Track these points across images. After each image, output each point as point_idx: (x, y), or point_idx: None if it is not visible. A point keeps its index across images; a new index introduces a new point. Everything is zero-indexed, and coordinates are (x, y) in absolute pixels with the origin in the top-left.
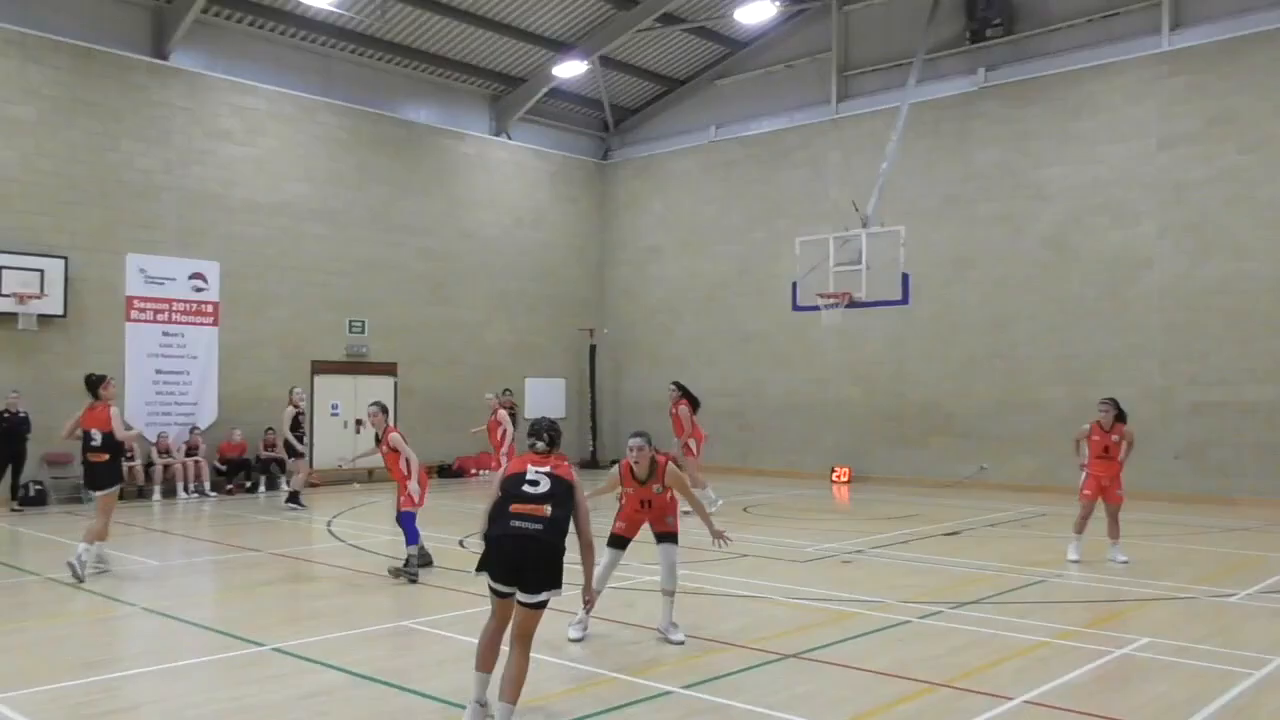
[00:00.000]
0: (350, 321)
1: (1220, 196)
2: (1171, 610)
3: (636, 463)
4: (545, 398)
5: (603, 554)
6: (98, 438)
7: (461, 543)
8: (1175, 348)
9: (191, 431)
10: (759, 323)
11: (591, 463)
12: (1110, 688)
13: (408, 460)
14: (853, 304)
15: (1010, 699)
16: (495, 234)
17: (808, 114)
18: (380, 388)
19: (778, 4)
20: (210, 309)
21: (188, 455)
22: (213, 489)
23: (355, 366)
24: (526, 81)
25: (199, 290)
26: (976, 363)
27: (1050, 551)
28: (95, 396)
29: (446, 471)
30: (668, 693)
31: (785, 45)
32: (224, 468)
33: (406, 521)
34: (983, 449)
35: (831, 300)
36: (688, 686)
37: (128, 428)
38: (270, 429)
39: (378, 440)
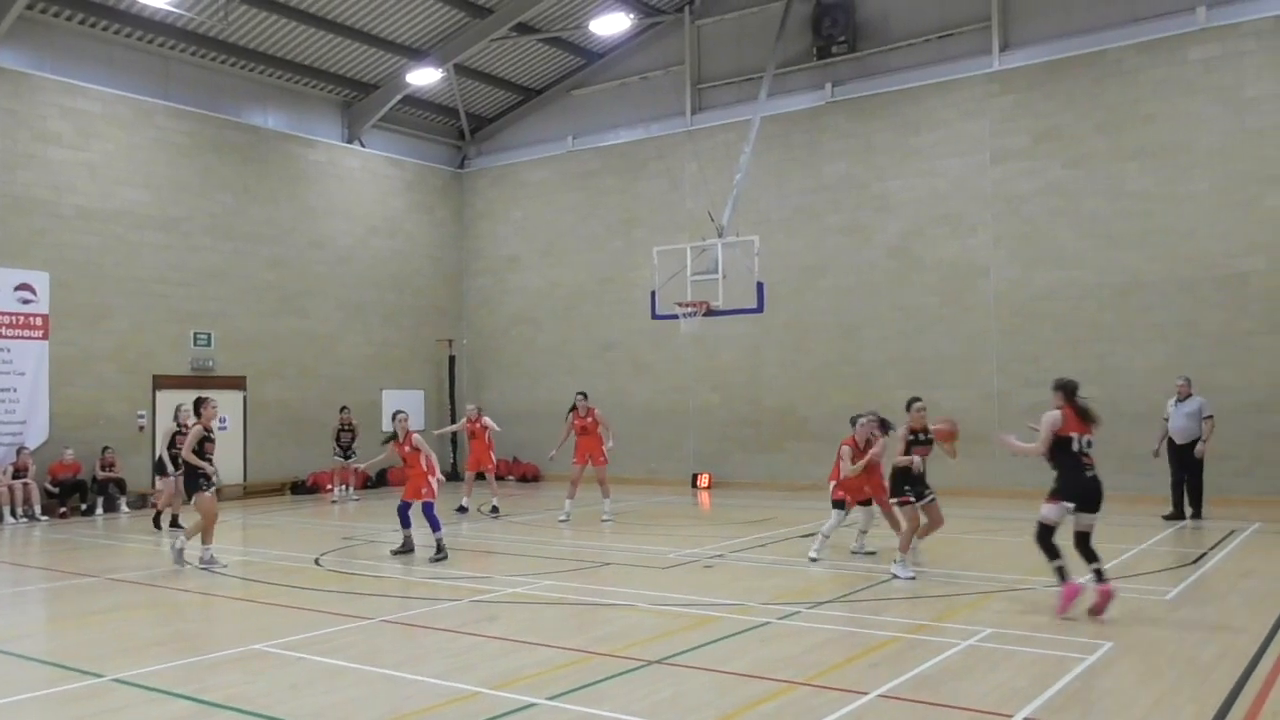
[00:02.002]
0: (195, 334)
1: (1047, 209)
2: (1012, 601)
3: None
4: (403, 409)
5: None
6: None
7: (317, 560)
8: (1010, 352)
9: (19, 452)
10: (619, 332)
11: (452, 474)
12: (958, 677)
13: (428, 457)
14: (710, 312)
15: (865, 693)
16: (349, 243)
17: (663, 125)
18: (228, 402)
19: (632, 16)
20: (39, 322)
21: (15, 477)
22: (44, 513)
23: (201, 380)
24: (379, 88)
25: (26, 302)
26: (828, 368)
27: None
28: (196, 415)
29: (300, 488)
30: (532, 704)
31: (640, 57)
32: (56, 490)
33: (428, 511)
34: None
35: (690, 309)
36: (552, 697)
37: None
38: (108, 447)
39: (397, 441)
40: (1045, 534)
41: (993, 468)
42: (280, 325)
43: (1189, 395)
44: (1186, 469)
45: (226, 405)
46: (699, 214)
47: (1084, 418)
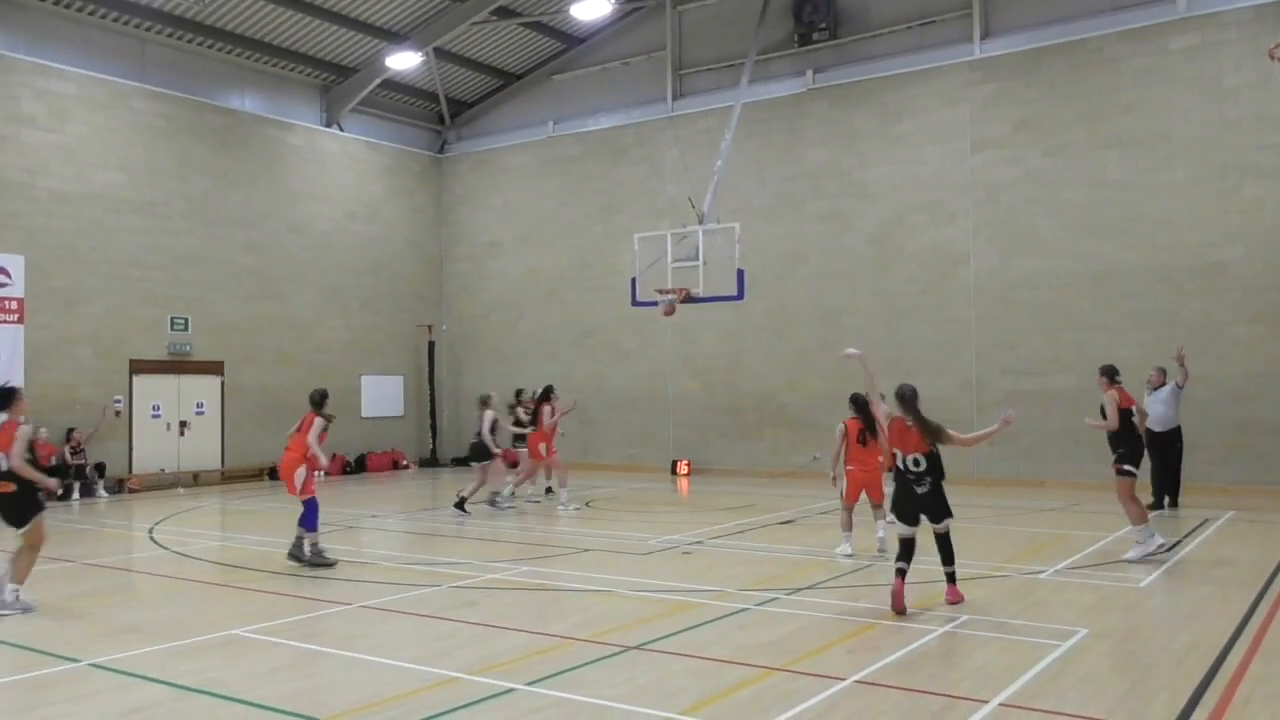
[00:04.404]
0: (172, 318)
1: (1026, 197)
2: (988, 588)
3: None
4: (383, 395)
5: None
6: (2, 463)
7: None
8: (988, 340)
9: None
10: (599, 318)
11: (431, 460)
12: (934, 663)
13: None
14: (690, 299)
15: (842, 679)
16: (327, 228)
17: (644, 111)
18: (206, 387)
19: (613, 1)
20: (14, 305)
21: None
22: None
23: (178, 365)
24: (358, 72)
25: (1, 286)
26: (808, 355)
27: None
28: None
29: (278, 474)
30: (511, 690)
31: (622, 42)
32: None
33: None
34: (815, 439)
35: (670, 295)
36: (531, 683)
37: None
38: (74, 429)
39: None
40: (903, 540)
41: (968, 456)
42: (258, 310)
43: (1162, 384)
44: (1166, 458)
45: (204, 390)
46: (680, 200)
47: (922, 430)
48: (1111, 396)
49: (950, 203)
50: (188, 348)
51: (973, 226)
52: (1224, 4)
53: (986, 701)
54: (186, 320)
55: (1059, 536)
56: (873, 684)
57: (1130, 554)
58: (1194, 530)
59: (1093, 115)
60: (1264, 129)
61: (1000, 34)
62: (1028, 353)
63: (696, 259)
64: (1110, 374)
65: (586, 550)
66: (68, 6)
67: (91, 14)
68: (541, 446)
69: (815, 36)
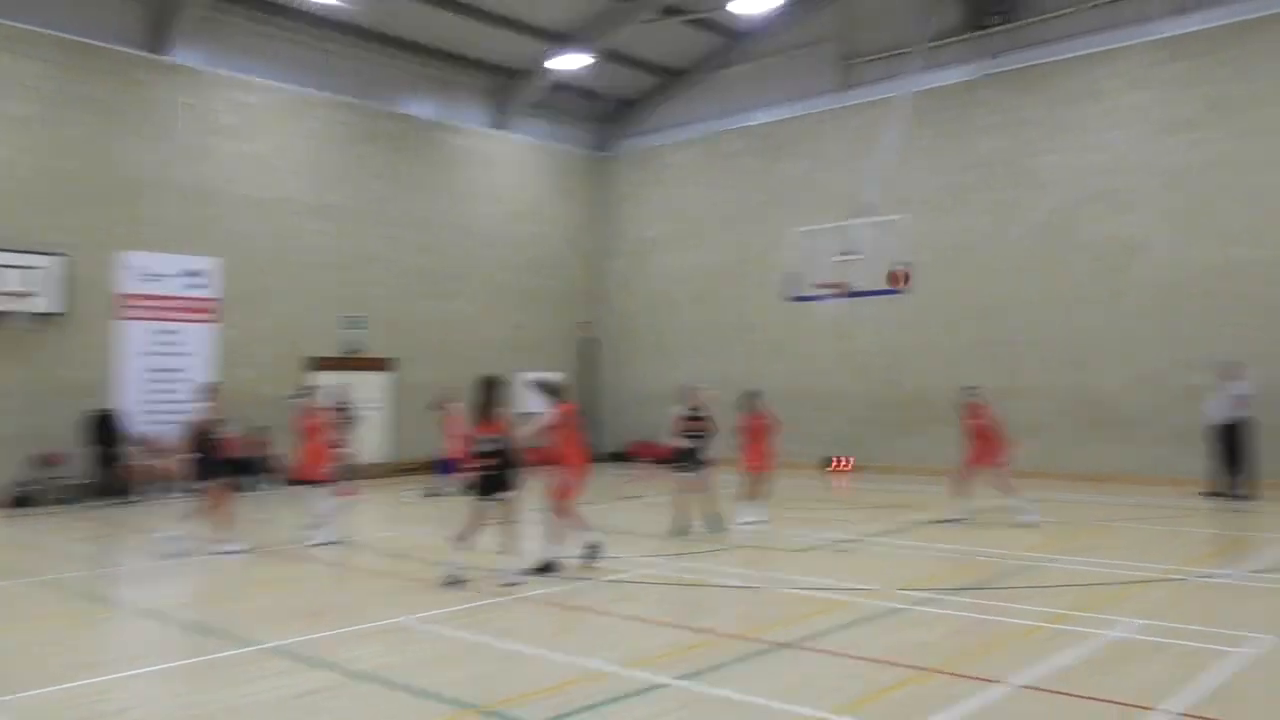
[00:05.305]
0: (349, 317)
1: (1215, 183)
2: (1163, 592)
3: None
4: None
5: None
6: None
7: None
8: (1170, 333)
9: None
10: (759, 313)
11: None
12: (1102, 670)
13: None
14: (851, 294)
15: (1003, 683)
16: (492, 227)
17: (809, 104)
18: (378, 383)
19: None
20: (210, 305)
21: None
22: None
23: (354, 362)
24: (525, 74)
25: (198, 287)
26: (973, 350)
27: (1041, 536)
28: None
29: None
30: (662, 685)
31: (786, 35)
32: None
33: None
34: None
35: (830, 290)
36: (681, 678)
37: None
38: (264, 428)
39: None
40: None
41: (1148, 454)
42: (427, 308)
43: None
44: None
45: (377, 386)
46: (842, 194)
47: None
48: None
49: (1129, 190)
50: (363, 344)
51: (1155, 215)
52: None
53: (1163, 710)
54: (362, 318)
55: (1243, 539)
56: (1038, 689)
57: None
58: None
59: None
60: None
61: (1195, 9)
62: (1214, 347)
63: (858, 253)
64: None
65: (739, 547)
66: (259, 22)
67: (280, 28)
68: None
69: (989, 21)
